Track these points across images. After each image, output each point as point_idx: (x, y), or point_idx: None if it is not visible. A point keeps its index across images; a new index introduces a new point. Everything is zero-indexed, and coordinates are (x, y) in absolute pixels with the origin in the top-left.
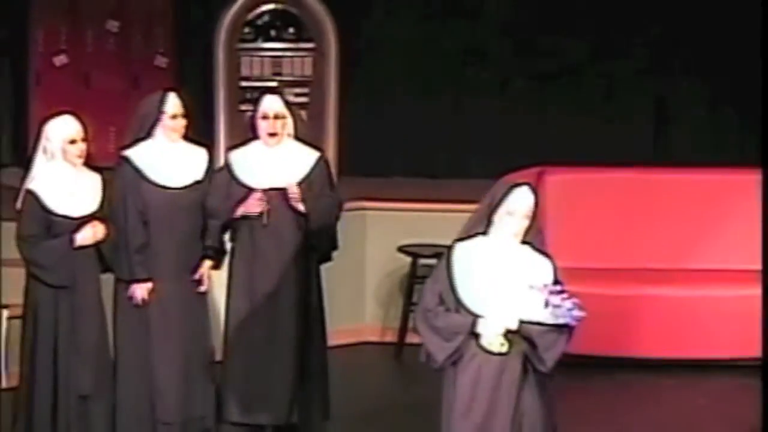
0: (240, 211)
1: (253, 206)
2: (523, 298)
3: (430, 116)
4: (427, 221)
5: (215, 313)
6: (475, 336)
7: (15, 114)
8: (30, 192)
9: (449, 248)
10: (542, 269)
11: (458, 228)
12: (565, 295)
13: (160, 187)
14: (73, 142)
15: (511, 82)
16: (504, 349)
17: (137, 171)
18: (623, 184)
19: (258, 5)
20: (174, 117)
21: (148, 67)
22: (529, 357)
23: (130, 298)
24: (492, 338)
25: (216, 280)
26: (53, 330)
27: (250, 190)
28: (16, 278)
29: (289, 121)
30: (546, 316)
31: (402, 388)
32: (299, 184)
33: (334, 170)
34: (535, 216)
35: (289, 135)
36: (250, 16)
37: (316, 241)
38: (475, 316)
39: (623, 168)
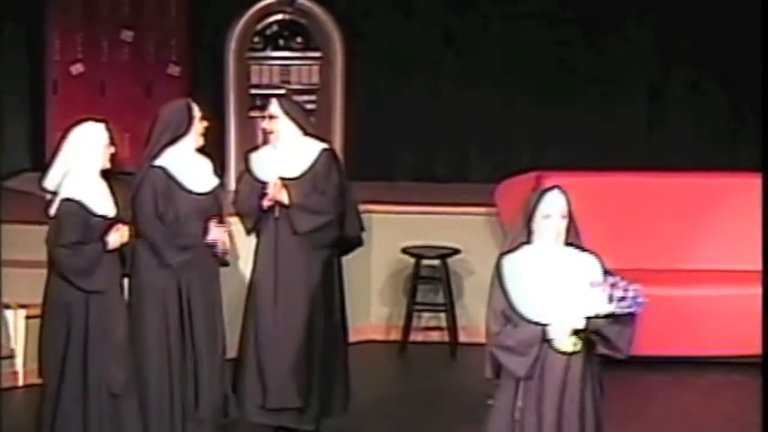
0: (266, 202)
1: (273, 191)
2: (586, 296)
3: (433, 123)
4: (429, 223)
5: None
6: (547, 341)
7: (32, 121)
8: (69, 200)
9: (497, 263)
10: (591, 266)
11: (459, 229)
12: (624, 284)
13: (192, 194)
14: (108, 146)
15: (510, 88)
16: (578, 347)
17: (171, 179)
18: (619, 188)
19: (267, 16)
20: (201, 120)
21: (161, 75)
22: (604, 349)
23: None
24: (563, 340)
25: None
26: (84, 332)
27: (265, 184)
28: (32, 279)
29: (285, 121)
30: (612, 310)
31: (406, 384)
32: (301, 176)
33: None
34: (571, 216)
35: (294, 135)
36: (260, 26)
37: (295, 222)
38: (543, 325)
39: (618, 172)
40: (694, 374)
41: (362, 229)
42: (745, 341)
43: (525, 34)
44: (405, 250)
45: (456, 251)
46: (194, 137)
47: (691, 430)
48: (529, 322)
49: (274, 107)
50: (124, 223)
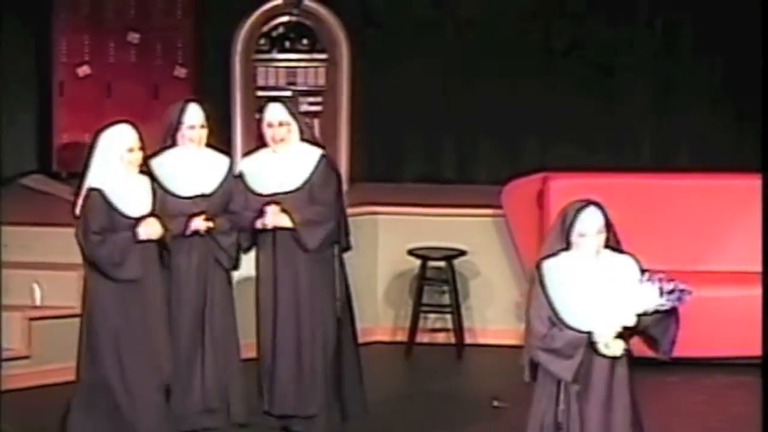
0: (259, 224)
1: (271, 220)
2: (636, 292)
3: (439, 124)
4: (435, 225)
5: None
6: (592, 344)
7: (39, 123)
8: (95, 189)
9: (537, 268)
10: (629, 266)
11: (465, 231)
12: (668, 279)
13: (175, 197)
14: (131, 150)
15: (517, 92)
16: (625, 349)
17: (155, 180)
18: (625, 190)
19: (273, 18)
20: (192, 127)
21: (167, 77)
22: (651, 349)
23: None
24: (610, 342)
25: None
26: (119, 326)
27: (266, 202)
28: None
29: (294, 126)
30: (662, 303)
31: (412, 385)
32: (300, 188)
33: (345, 176)
34: (610, 227)
35: (296, 138)
36: (266, 28)
37: (308, 240)
38: (588, 332)
39: (625, 173)
40: (701, 375)
41: (347, 234)
42: (749, 343)
43: (531, 33)
44: (411, 252)
45: (462, 252)
46: (182, 140)
47: (697, 429)
48: (574, 330)
49: (284, 114)
50: (156, 217)
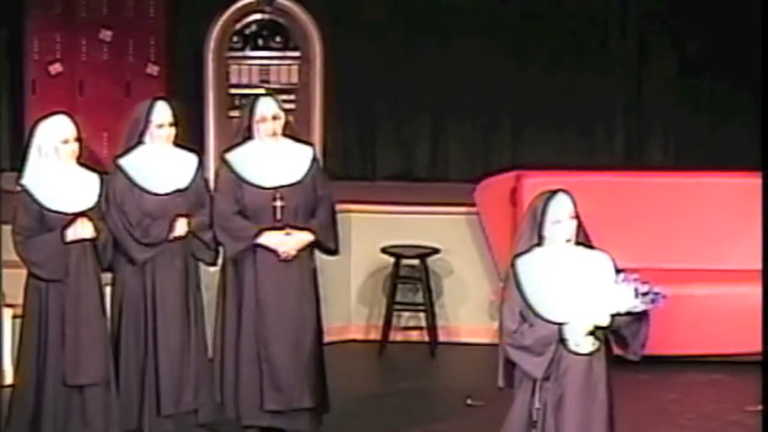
0: (263, 240)
1: (281, 248)
2: (611, 292)
3: (412, 122)
4: (409, 223)
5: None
6: (563, 341)
7: (12, 121)
8: (23, 187)
9: (511, 265)
10: (604, 263)
11: (438, 229)
12: (644, 281)
13: (151, 194)
14: (65, 141)
15: (491, 88)
16: (596, 347)
17: (129, 179)
18: (598, 188)
19: (246, 15)
20: (160, 126)
21: (139, 74)
22: (619, 349)
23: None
24: (580, 339)
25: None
26: (44, 324)
27: (272, 199)
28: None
29: (283, 120)
30: (637, 305)
31: (385, 384)
32: (302, 181)
33: None
34: (578, 216)
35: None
36: (239, 25)
37: (330, 244)
38: (559, 324)
39: (599, 171)
40: (674, 373)
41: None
42: (725, 340)
43: (506, 32)
44: (384, 250)
45: (435, 251)
46: (150, 139)
47: (668, 427)
48: (547, 321)
49: (276, 108)
50: (91, 218)
